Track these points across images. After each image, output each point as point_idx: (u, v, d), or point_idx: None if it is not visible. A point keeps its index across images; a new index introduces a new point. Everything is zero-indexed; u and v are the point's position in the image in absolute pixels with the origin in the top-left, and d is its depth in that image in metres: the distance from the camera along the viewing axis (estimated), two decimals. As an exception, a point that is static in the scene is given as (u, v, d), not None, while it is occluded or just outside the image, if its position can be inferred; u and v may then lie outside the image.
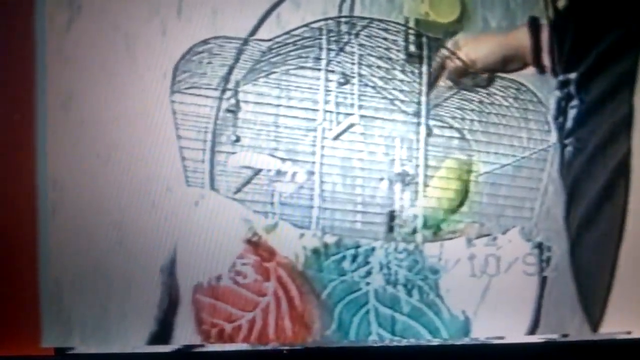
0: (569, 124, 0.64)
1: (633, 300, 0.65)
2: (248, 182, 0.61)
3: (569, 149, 0.64)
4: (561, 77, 0.63)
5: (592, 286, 0.65)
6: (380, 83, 0.62)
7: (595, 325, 0.65)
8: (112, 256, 0.60)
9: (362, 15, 0.61)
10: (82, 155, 0.59)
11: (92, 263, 0.60)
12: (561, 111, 0.64)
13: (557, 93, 0.63)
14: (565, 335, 0.65)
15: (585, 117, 0.64)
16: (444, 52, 0.62)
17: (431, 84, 0.62)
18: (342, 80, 0.62)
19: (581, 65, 0.63)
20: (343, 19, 0.61)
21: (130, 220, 0.60)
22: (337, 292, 0.63)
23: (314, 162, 0.62)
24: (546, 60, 0.63)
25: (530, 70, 0.63)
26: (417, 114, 0.63)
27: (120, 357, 0.61)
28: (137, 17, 0.59)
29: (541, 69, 0.63)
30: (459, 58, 0.62)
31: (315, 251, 0.62)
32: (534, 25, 0.63)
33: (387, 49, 0.62)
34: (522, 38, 0.63)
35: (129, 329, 0.61)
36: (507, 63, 0.63)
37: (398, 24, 0.62)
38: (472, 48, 0.62)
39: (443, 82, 0.62)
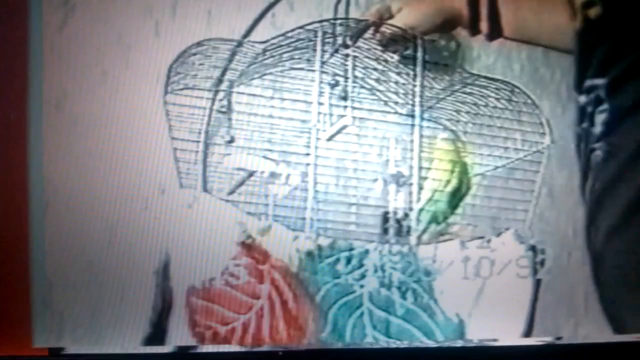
0: (598, 128, 0.63)
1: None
2: (241, 183, 0.61)
3: (597, 153, 0.63)
4: (588, 83, 0.63)
5: (621, 292, 0.64)
6: (374, 84, 0.62)
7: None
8: (105, 257, 0.60)
9: (357, 17, 0.61)
10: (76, 155, 0.59)
11: (84, 264, 0.59)
12: (587, 116, 0.63)
13: (583, 98, 0.63)
14: (559, 338, 0.65)
15: (618, 121, 0.63)
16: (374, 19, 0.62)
17: (355, 40, 0.62)
18: (334, 82, 0.62)
19: (612, 70, 0.63)
20: (338, 21, 0.61)
21: (124, 221, 0.59)
22: (331, 294, 0.63)
23: (307, 164, 0.62)
24: (484, 26, 0.62)
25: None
26: (411, 115, 0.63)
27: (114, 357, 0.61)
28: (131, 17, 0.59)
29: (475, 32, 0.62)
30: (389, 24, 0.61)
31: (309, 254, 0.62)
32: None
33: (382, 50, 0.62)
34: (457, 3, 0.62)
35: (121, 330, 0.60)
36: (440, 27, 0.62)
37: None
38: (406, 13, 0.62)
39: (367, 41, 0.62)
